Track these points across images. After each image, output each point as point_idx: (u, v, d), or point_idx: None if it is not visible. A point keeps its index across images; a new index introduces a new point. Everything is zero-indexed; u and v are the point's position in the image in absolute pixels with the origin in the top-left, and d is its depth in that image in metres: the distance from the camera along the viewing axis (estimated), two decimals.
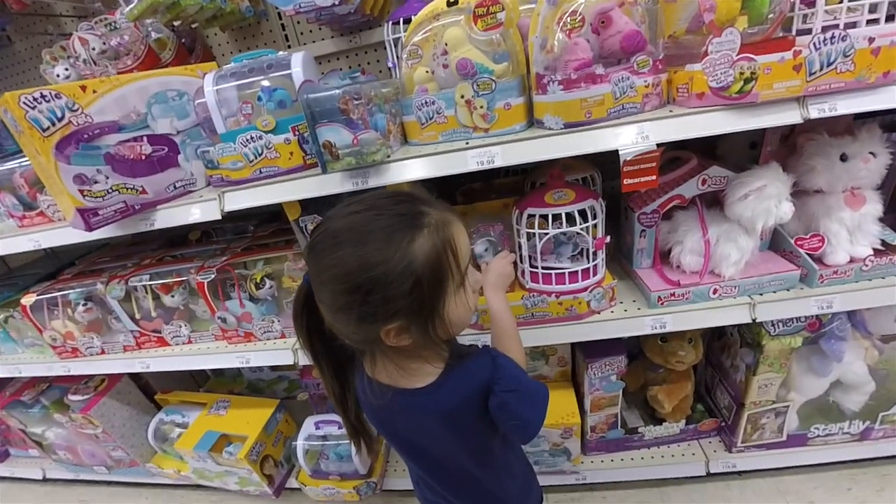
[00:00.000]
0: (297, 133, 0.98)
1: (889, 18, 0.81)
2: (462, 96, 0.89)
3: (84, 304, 1.41)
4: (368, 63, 1.48)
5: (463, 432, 0.71)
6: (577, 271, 1.07)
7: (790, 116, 0.81)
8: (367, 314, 0.57)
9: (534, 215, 1.00)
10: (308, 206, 1.10)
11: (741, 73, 0.79)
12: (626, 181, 0.85)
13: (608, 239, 1.05)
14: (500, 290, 0.84)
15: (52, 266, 1.77)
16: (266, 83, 1.01)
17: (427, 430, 0.71)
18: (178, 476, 1.67)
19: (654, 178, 0.84)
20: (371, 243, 0.55)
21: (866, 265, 1.02)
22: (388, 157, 0.92)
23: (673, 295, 1.08)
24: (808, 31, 0.82)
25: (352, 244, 0.56)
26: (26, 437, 1.86)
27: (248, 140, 0.97)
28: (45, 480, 2.01)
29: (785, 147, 1.10)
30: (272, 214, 1.63)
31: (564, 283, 1.08)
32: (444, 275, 0.58)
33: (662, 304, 1.08)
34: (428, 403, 0.67)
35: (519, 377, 0.69)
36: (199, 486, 1.75)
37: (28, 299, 1.42)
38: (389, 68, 1.13)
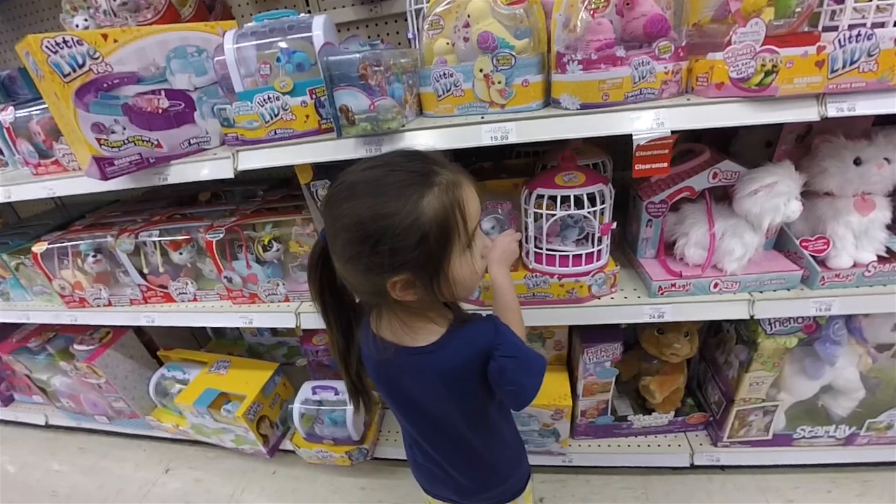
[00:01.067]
0: (313, 96, 0.98)
1: None
2: (481, 70, 0.89)
3: (94, 256, 1.44)
4: (388, 34, 1.47)
5: (460, 394, 0.73)
6: (580, 255, 1.08)
7: (808, 113, 0.81)
8: (374, 264, 0.59)
9: (542, 196, 1.01)
10: (320, 171, 1.11)
11: (762, 65, 0.78)
12: (637, 166, 0.86)
13: (614, 225, 1.05)
14: (504, 266, 0.85)
15: (62, 218, 1.79)
16: (285, 45, 1.01)
17: (426, 389, 0.73)
18: (177, 430, 1.72)
19: (665, 164, 0.85)
20: (383, 196, 0.57)
21: (869, 271, 1.02)
22: (404, 126, 0.93)
23: (674, 286, 1.09)
24: (835, 29, 0.81)
25: (366, 195, 0.58)
26: (31, 382, 1.91)
27: (265, 100, 0.98)
28: (47, 426, 2.07)
29: (800, 147, 1.09)
30: (282, 181, 1.64)
31: (567, 266, 1.09)
32: (450, 233, 0.60)
33: (663, 293, 1.10)
34: (429, 362, 0.69)
35: (519, 345, 0.71)
36: (196, 442, 1.80)
37: (39, 247, 1.45)
38: (409, 39, 1.12)
